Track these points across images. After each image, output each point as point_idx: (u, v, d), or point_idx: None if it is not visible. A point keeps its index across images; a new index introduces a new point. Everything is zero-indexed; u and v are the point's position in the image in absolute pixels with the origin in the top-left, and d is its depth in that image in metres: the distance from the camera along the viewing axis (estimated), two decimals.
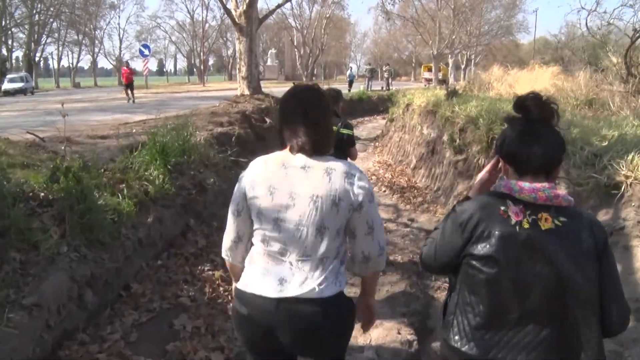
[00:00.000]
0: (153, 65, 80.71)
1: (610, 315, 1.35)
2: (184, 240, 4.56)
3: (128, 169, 4.61)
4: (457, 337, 1.42)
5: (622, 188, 3.14)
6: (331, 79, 52.87)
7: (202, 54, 48.42)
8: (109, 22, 50.66)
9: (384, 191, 7.59)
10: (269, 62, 44.31)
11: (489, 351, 1.35)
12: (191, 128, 6.06)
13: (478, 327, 1.38)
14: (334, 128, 3.35)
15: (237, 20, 13.30)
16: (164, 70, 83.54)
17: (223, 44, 54.84)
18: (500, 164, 1.50)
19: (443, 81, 28.16)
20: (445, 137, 7.33)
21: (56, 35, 41.24)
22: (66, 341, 2.77)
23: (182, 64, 76.44)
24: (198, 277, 3.95)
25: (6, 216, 2.88)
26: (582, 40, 14.21)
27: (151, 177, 4.57)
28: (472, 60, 41.31)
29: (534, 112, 1.39)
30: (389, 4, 26.08)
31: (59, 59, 46.19)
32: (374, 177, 8.62)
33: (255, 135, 9.19)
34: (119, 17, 72.42)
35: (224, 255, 1.77)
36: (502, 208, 1.36)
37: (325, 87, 4.47)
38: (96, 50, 48.82)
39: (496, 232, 1.34)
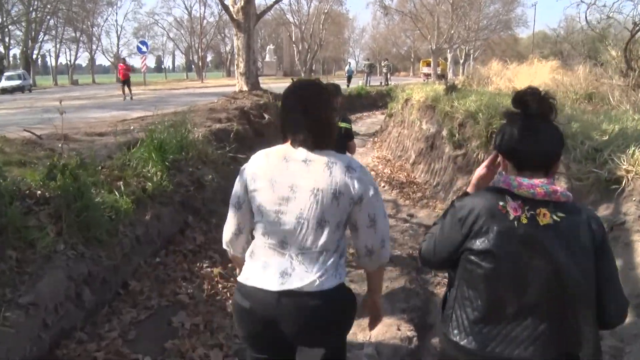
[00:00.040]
0: (151, 62, 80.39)
1: (609, 309, 1.36)
2: (182, 238, 4.54)
3: (125, 166, 4.60)
4: (455, 331, 1.43)
5: (623, 182, 3.13)
6: (330, 74, 52.86)
7: (200, 50, 48.22)
8: (107, 19, 50.40)
9: (383, 186, 7.57)
10: (267, 58, 44.08)
11: (487, 345, 1.37)
12: (189, 125, 6.04)
13: (476, 321, 1.39)
14: None
15: (234, 16, 13.26)
16: (162, 66, 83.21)
17: (221, 40, 54.69)
18: (498, 159, 1.50)
19: (442, 76, 28.09)
20: (444, 132, 7.32)
21: (53, 32, 41.05)
22: (63, 340, 2.76)
23: (180, 60, 76.41)
24: (196, 275, 3.94)
25: (3, 214, 2.87)
26: (581, 34, 14.16)
27: (149, 174, 4.56)
28: (471, 55, 41.17)
29: (532, 107, 1.38)
30: None
31: (57, 57, 46.20)
32: (373, 173, 8.59)
33: (254, 131, 9.16)
34: (117, 13, 73.18)
35: (225, 247, 1.79)
36: (501, 203, 1.37)
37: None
38: (94, 47, 48.71)
39: (495, 228, 1.35)
